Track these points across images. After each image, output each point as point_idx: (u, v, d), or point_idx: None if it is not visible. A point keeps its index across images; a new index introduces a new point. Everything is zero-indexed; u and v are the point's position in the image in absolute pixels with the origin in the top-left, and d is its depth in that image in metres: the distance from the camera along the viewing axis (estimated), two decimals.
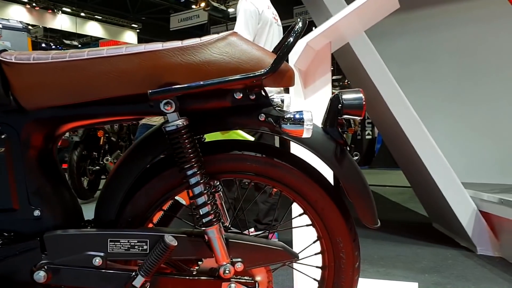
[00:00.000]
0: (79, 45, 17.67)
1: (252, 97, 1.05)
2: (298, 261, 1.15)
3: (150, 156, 1.10)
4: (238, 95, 1.04)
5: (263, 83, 1.04)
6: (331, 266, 1.17)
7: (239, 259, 1.09)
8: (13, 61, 1.01)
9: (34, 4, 15.19)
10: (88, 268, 1.07)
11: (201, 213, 1.05)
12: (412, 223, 3.89)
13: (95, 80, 1.01)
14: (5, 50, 1.06)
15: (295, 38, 1.01)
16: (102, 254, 1.07)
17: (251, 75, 0.99)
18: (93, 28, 16.69)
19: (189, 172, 1.04)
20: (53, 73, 1.01)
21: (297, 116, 0.99)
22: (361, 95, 1.06)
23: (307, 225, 1.19)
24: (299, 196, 1.14)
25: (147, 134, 1.13)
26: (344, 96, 1.06)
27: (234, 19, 13.57)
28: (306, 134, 0.99)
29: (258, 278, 1.13)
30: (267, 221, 2.90)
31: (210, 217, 1.05)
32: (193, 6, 14.04)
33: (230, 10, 13.23)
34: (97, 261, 1.06)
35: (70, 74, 1.01)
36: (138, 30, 16.82)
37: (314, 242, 1.20)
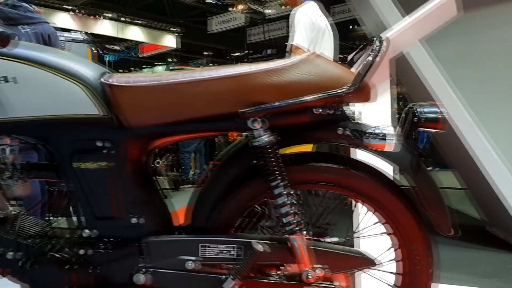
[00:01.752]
0: (121, 50, 18.21)
1: (331, 112, 1.11)
2: (375, 268, 1.21)
3: (237, 168, 1.18)
4: (318, 111, 1.11)
5: (343, 99, 1.10)
6: (411, 273, 1.22)
7: (321, 265, 1.16)
8: (117, 84, 1.12)
9: (77, 11, 15.71)
10: (182, 271, 1.16)
11: (285, 222, 1.13)
12: (465, 226, 3.84)
13: (189, 101, 1.10)
14: (105, 73, 1.17)
15: (374, 56, 1.07)
16: (194, 258, 1.16)
17: (334, 92, 1.06)
18: (134, 33, 17.12)
19: (273, 183, 1.12)
20: (151, 94, 1.11)
21: (380, 131, 1.05)
22: (436, 108, 1.11)
23: (387, 234, 1.24)
24: (379, 206, 1.20)
25: (235, 148, 1.21)
26: (420, 109, 1.11)
27: (271, 20, 13.52)
28: (389, 148, 1.05)
29: (337, 284, 1.20)
30: (320, 225, 2.95)
31: (293, 226, 1.13)
32: (230, 9, 14.23)
33: (267, 11, 13.34)
34: (190, 265, 1.16)
35: (166, 95, 1.11)
36: (177, 34, 17.15)
37: (393, 249, 1.25)
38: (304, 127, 1.15)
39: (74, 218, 1.25)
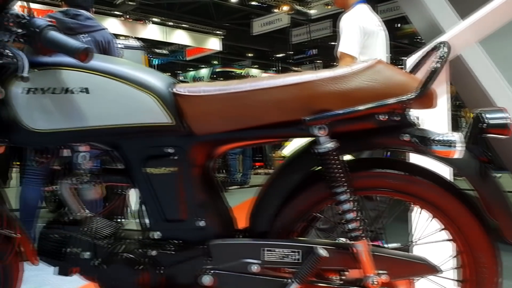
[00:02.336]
0: (168, 53, 18.67)
1: (396, 118, 1.12)
2: (439, 275, 1.20)
3: (299, 174, 1.21)
4: (383, 117, 1.11)
5: (409, 106, 1.10)
6: (472, 280, 1.20)
7: (385, 271, 1.16)
8: (186, 93, 1.17)
9: (127, 17, 16.20)
10: (246, 274, 1.20)
11: (349, 228, 1.14)
12: None
13: (255, 109, 1.14)
14: (173, 83, 1.22)
15: (441, 63, 1.07)
16: (258, 261, 1.19)
17: (400, 99, 1.06)
18: (180, 36, 17.49)
19: (338, 190, 1.13)
20: (218, 103, 1.15)
21: (448, 138, 1.04)
22: (505, 114, 1.09)
23: (447, 240, 1.23)
24: (440, 212, 1.19)
25: (297, 154, 1.24)
26: (488, 115, 1.09)
27: (315, 20, 13.41)
28: (457, 155, 1.04)
29: None
30: (374, 228, 2.92)
31: (358, 232, 1.14)
32: (275, 10, 14.25)
33: (312, 11, 13.27)
34: (254, 268, 1.19)
35: (233, 103, 1.15)
36: (221, 36, 17.38)
37: (454, 256, 1.24)
38: (366, 133, 1.16)
39: (142, 221, 1.32)
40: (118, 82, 1.16)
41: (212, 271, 1.20)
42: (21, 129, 1.18)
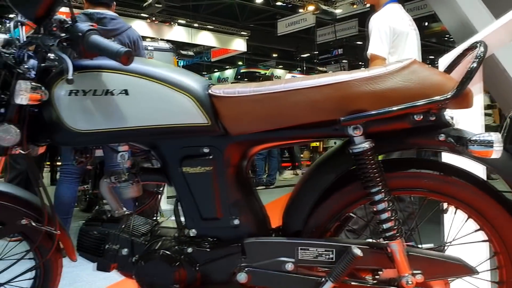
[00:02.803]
0: (193, 54, 18.84)
1: (432, 118, 1.11)
2: (475, 276, 1.19)
3: (334, 174, 1.22)
4: (419, 117, 1.11)
5: (446, 106, 1.10)
6: (509, 281, 1.19)
7: (420, 271, 1.16)
8: (222, 94, 1.19)
9: (153, 18, 16.41)
10: (281, 272, 1.21)
11: (384, 228, 1.15)
12: None
13: (290, 109, 1.15)
14: (210, 85, 1.25)
15: (478, 63, 1.06)
16: (293, 260, 1.21)
17: (437, 99, 1.06)
18: (206, 38, 17.64)
19: (374, 190, 1.14)
20: (255, 103, 1.18)
21: (486, 138, 1.04)
22: None
23: (483, 241, 1.22)
24: (476, 212, 1.18)
25: (331, 154, 1.25)
26: None
27: (341, 20, 13.28)
28: (495, 155, 1.03)
29: None
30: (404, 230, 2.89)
31: (393, 232, 1.14)
32: (300, 10, 14.22)
33: (338, 11, 13.18)
34: (289, 266, 1.21)
35: (268, 104, 1.17)
36: (247, 37, 17.46)
37: (491, 257, 1.23)
38: (401, 133, 1.16)
39: (178, 218, 1.35)
40: (157, 84, 1.19)
41: (246, 269, 1.22)
42: (63, 129, 1.22)
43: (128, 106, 1.20)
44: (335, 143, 4.96)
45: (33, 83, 1.16)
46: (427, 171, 1.19)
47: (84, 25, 1.13)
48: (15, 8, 1.19)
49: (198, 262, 1.26)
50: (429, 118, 1.11)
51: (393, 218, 1.14)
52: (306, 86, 1.14)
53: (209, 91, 1.21)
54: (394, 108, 1.07)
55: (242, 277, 1.22)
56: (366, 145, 1.12)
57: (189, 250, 1.27)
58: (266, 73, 20.78)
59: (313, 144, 6.78)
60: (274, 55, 22.12)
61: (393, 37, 2.60)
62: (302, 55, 19.74)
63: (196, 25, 17.57)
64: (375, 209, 1.16)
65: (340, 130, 1.14)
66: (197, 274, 1.26)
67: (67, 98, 1.20)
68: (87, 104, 1.20)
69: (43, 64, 1.24)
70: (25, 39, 1.28)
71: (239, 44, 17.86)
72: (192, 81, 1.22)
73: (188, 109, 1.19)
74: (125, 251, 1.31)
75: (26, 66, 1.21)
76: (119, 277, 2.43)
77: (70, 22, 1.17)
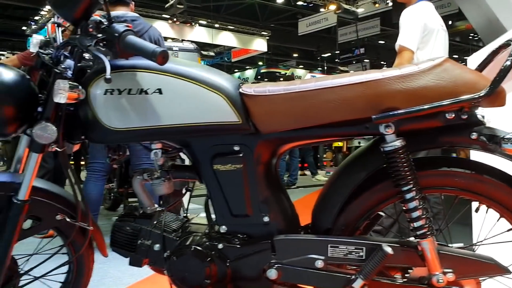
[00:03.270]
0: (214, 55, 18.96)
1: (464, 116, 1.11)
2: (508, 276, 1.18)
3: (364, 172, 1.22)
4: (451, 115, 1.11)
5: (479, 104, 1.10)
6: None
7: (451, 270, 1.16)
8: (253, 93, 1.21)
9: (175, 20, 16.56)
10: (311, 269, 1.22)
11: (415, 226, 1.15)
12: None
13: (321, 108, 1.16)
14: (240, 84, 1.27)
15: None
16: (323, 257, 1.22)
17: (470, 97, 1.06)
18: (226, 38, 17.72)
19: (405, 188, 1.14)
20: (286, 102, 1.19)
21: None
22: None
23: None
24: (508, 211, 1.17)
25: (361, 152, 1.26)
26: None
27: (363, 19, 13.18)
28: None
29: None
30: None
31: (424, 230, 1.14)
32: (322, 10, 14.16)
33: (359, 10, 13.08)
34: (319, 264, 1.22)
35: (300, 102, 1.18)
36: (267, 37, 17.47)
37: None
38: (433, 131, 1.15)
39: (209, 215, 1.37)
40: (190, 83, 1.22)
41: (276, 265, 1.24)
42: (99, 127, 1.26)
43: (162, 105, 1.23)
44: (359, 143, 4.93)
45: (71, 82, 1.20)
46: (459, 169, 1.19)
47: (120, 26, 1.17)
48: (55, 10, 1.23)
49: (229, 258, 1.28)
50: (461, 116, 1.11)
51: (424, 216, 1.14)
52: (338, 85, 1.15)
53: (240, 90, 1.23)
54: (426, 106, 1.07)
55: (272, 274, 1.24)
56: (398, 143, 1.12)
57: (220, 246, 1.29)
58: (286, 73, 20.75)
59: (336, 144, 6.75)
60: (295, 55, 22.08)
61: (423, 33, 2.57)
62: (323, 55, 19.66)
63: (217, 25, 17.66)
64: (406, 208, 1.16)
65: (372, 128, 1.15)
66: (228, 270, 1.28)
67: (103, 97, 1.24)
68: (122, 102, 1.23)
69: (79, 64, 1.28)
70: (61, 40, 1.32)
71: (259, 44, 17.88)
72: (224, 80, 1.24)
73: (220, 107, 1.21)
74: (157, 247, 1.34)
75: (63, 66, 1.25)
76: (145, 274, 2.50)
77: (106, 23, 1.20)
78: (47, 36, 1.39)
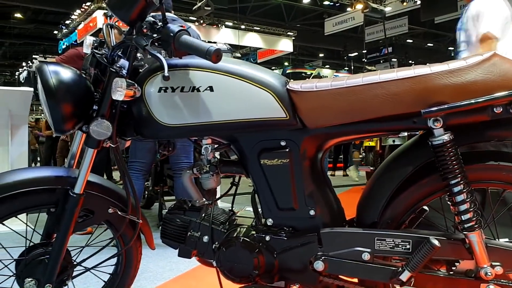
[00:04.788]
0: (240, 56, 19.08)
1: None
2: None
3: (411, 166, 1.24)
4: (498, 110, 1.12)
5: None
6: None
7: (499, 263, 1.17)
8: (300, 90, 1.25)
9: (201, 22, 16.70)
10: (358, 262, 1.25)
11: (463, 219, 1.16)
12: None
13: (369, 102, 1.19)
14: (287, 81, 1.31)
15: None
16: (369, 250, 1.24)
17: None
18: (252, 39, 17.80)
19: (453, 181, 1.16)
20: (333, 97, 1.22)
21: None
22: None
23: None
24: None
25: (408, 146, 1.28)
26: None
27: (390, 18, 13.00)
28: None
29: None
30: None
31: (472, 223, 1.15)
32: (348, 9, 14.10)
33: (387, 9, 12.96)
34: (366, 256, 1.24)
35: (348, 98, 1.21)
36: (293, 38, 17.48)
37: None
38: (480, 125, 1.17)
39: (256, 208, 1.41)
40: (239, 81, 1.26)
41: (323, 258, 1.27)
42: (152, 123, 1.32)
43: (213, 102, 1.27)
44: (393, 141, 4.90)
45: (129, 80, 1.26)
46: (506, 163, 1.19)
47: (175, 26, 1.22)
48: (112, 11, 1.29)
49: (276, 250, 1.32)
50: (510, 110, 1.12)
51: (472, 209, 1.15)
52: (386, 80, 1.17)
53: (288, 86, 1.27)
54: (476, 100, 1.09)
55: (319, 265, 1.27)
56: (446, 137, 1.14)
57: (267, 238, 1.33)
58: (312, 73, 20.68)
59: (367, 143, 6.72)
60: (321, 55, 21.99)
61: (504, 21, 2.48)
62: (350, 54, 19.52)
63: (243, 26, 17.74)
64: (454, 201, 1.17)
65: (419, 123, 1.17)
66: (275, 261, 1.32)
67: (157, 94, 1.30)
68: (175, 100, 1.29)
69: (133, 64, 1.34)
70: (114, 42, 1.38)
71: (285, 45, 17.89)
72: (271, 77, 1.28)
73: (268, 104, 1.25)
74: (205, 239, 1.39)
75: (118, 65, 1.31)
76: (184, 268, 2.55)
77: (160, 24, 1.26)
78: (94, 39, 1.45)
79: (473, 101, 1.09)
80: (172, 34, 1.20)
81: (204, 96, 1.27)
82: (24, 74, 22.07)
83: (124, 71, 1.31)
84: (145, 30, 1.27)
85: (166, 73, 1.18)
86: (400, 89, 1.15)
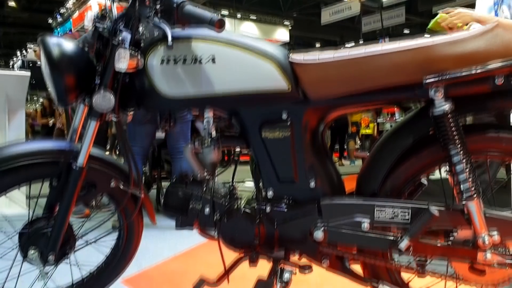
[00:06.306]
0: None
1: None
2: None
3: (411, 138, 1.26)
4: (500, 81, 1.13)
5: None
6: None
7: (496, 232, 1.19)
8: (303, 61, 1.26)
9: None
10: (357, 231, 1.27)
11: (462, 189, 1.18)
12: None
13: (371, 73, 1.20)
14: (289, 52, 1.31)
15: None
16: (369, 220, 1.26)
17: None
18: (248, 28, 17.74)
19: (453, 151, 1.17)
20: (336, 69, 1.23)
21: None
22: None
23: None
24: None
25: (408, 119, 1.29)
26: None
27: (388, 8, 12.97)
28: None
29: None
30: None
31: (471, 192, 1.17)
32: None
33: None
34: (365, 226, 1.26)
35: (350, 69, 1.22)
36: (290, 27, 17.43)
37: None
38: (482, 96, 1.18)
39: (256, 181, 1.43)
40: (241, 52, 1.27)
41: (323, 228, 1.28)
42: (154, 95, 1.32)
43: (215, 73, 1.28)
44: (391, 126, 4.94)
45: (132, 50, 1.26)
46: (506, 134, 1.21)
47: None
48: None
49: (276, 221, 1.34)
50: (511, 81, 1.13)
51: (471, 178, 1.17)
52: (388, 51, 1.18)
53: (290, 58, 1.28)
54: (477, 69, 1.10)
55: (318, 235, 1.29)
56: (447, 107, 1.15)
57: (268, 209, 1.35)
58: None
59: (364, 131, 6.75)
60: (317, 45, 21.95)
61: None
62: (346, 45, 19.48)
63: (239, 15, 17.65)
64: (453, 171, 1.19)
65: (421, 93, 1.18)
66: (275, 231, 1.33)
67: (160, 66, 1.30)
68: (177, 71, 1.29)
69: (135, 36, 1.34)
70: (116, 15, 1.38)
71: (282, 34, 17.84)
72: (274, 48, 1.29)
73: (270, 75, 1.26)
74: (207, 211, 1.41)
75: (121, 38, 1.32)
76: (183, 248, 2.58)
77: None
78: (99, 12, 1.45)
79: (474, 70, 1.10)
80: (175, 4, 1.21)
81: (206, 67, 1.28)
82: (19, 63, 21.89)
83: (127, 44, 1.31)
84: (148, 1, 1.27)
85: (169, 42, 1.18)
86: (403, 59, 1.16)
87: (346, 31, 18.36)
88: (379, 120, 8.13)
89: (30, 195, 1.49)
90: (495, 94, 1.17)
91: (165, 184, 4.20)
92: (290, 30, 17.77)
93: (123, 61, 1.24)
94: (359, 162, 8.35)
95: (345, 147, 9.65)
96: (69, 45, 1.34)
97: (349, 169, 8.28)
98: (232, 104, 1.34)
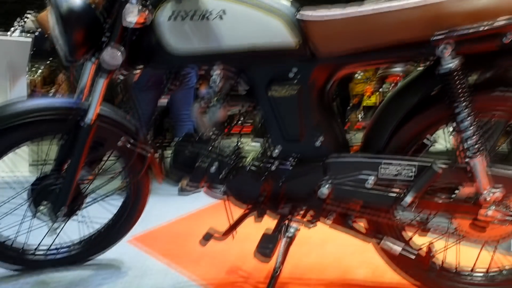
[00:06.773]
0: None
1: None
2: None
3: (417, 96, 1.27)
4: (508, 39, 1.13)
5: None
6: None
7: (499, 189, 1.21)
8: (311, 17, 1.25)
9: None
10: (362, 188, 1.29)
11: (467, 145, 1.20)
12: None
13: (379, 31, 1.20)
14: (299, 9, 1.30)
15: None
16: (374, 176, 1.28)
17: None
18: None
19: (458, 109, 1.18)
20: (344, 26, 1.23)
21: None
22: None
23: None
24: None
25: (415, 77, 1.30)
26: None
27: None
28: None
29: None
30: None
31: (475, 150, 1.19)
32: None
33: None
34: (370, 182, 1.28)
35: (358, 26, 1.22)
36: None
37: None
38: (489, 54, 1.18)
39: (263, 139, 1.44)
40: (250, 7, 1.27)
41: (328, 184, 1.31)
42: (163, 52, 1.32)
43: (223, 28, 1.28)
44: None
45: (140, 5, 1.26)
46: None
47: None
48: None
49: (282, 178, 1.36)
50: None
51: (475, 135, 1.18)
52: (396, 8, 1.18)
53: (299, 14, 1.27)
54: (486, 25, 1.10)
55: (323, 192, 1.31)
56: (454, 64, 1.16)
57: (274, 167, 1.37)
58: None
59: (366, 102, 6.74)
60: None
61: None
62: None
63: None
64: (458, 129, 1.20)
65: (429, 50, 1.18)
66: (281, 187, 1.36)
67: (167, 22, 1.30)
68: (185, 27, 1.29)
69: None
70: None
71: None
72: (282, 5, 1.28)
73: (278, 31, 1.26)
74: (213, 169, 1.42)
75: None
76: (186, 211, 2.62)
77: None
78: None
79: (482, 27, 1.10)
80: None
81: (215, 23, 1.28)
82: (17, 33, 21.62)
83: (134, 0, 1.31)
84: None
85: None
86: (411, 16, 1.16)
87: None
88: (384, 87, 8.02)
89: (39, 152, 1.52)
90: (504, 52, 1.17)
91: (167, 153, 4.23)
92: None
93: (132, 16, 1.24)
94: (359, 135, 8.32)
95: (346, 120, 9.62)
96: (77, 2, 1.34)
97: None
98: (239, 61, 1.34)
